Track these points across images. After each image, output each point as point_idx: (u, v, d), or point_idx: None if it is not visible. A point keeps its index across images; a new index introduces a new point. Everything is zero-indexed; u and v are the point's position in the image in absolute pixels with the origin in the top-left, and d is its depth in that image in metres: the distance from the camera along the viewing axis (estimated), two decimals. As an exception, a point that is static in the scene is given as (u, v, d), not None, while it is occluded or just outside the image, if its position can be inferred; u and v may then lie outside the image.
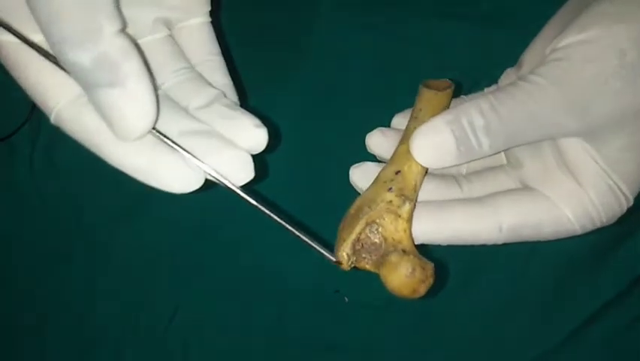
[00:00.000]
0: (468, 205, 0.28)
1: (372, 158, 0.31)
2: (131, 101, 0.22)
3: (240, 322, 0.41)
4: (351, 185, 0.30)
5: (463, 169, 0.31)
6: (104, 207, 0.42)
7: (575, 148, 0.26)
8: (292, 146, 0.41)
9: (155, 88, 0.24)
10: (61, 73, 0.24)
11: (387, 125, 0.32)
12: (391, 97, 0.42)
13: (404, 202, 0.27)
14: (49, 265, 0.42)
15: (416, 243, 0.27)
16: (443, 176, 0.30)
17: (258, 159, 0.25)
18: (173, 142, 0.24)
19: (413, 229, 0.27)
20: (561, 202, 0.27)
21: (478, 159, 0.27)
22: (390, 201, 0.27)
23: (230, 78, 0.29)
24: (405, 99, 0.41)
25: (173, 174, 0.24)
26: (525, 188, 0.28)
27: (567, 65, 0.25)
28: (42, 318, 0.41)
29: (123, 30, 0.22)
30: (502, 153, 0.30)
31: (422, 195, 0.28)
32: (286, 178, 0.41)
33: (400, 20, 0.43)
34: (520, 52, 0.31)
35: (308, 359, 0.40)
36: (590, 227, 0.27)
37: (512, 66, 0.31)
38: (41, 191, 0.43)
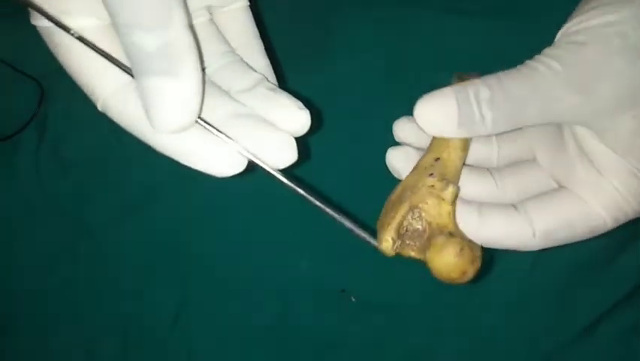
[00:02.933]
0: (503, 213, 0.28)
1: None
2: (181, 93, 0.23)
3: (244, 321, 0.41)
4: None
5: (494, 161, 0.31)
6: (108, 206, 0.42)
7: (591, 139, 0.27)
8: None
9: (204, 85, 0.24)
10: (111, 59, 0.24)
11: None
12: (403, 95, 0.42)
13: (447, 185, 0.26)
14: (53, 263, 0.41)
15: None
16: (479, 169, 0.30)
17: (300, 141, 0.26)
18: (213, 127, 0.24)
19: None
20: (590, 198, 0.27)
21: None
22: (432, 186, 0.26)
23: (269, 61, 0.29)
24: (416, 96, 0.41)
25: (218, 158, 0.24)
26: (555, 189, 0.29)
27: (571, 46, 0.26)
28: (46, 317, 0.41)
29: (190, 24, 0.23)
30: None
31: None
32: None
33: (412, 16, 0.44)
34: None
35: (313, 359, 0.40)
36: (622, 218, 0.27)
37: (523, 61, 0.31)
38: (46, 189, 0.43)
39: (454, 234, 0.26)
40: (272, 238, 0.41)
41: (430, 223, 0.26)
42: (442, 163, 0.27)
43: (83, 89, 0.25)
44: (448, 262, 0.25)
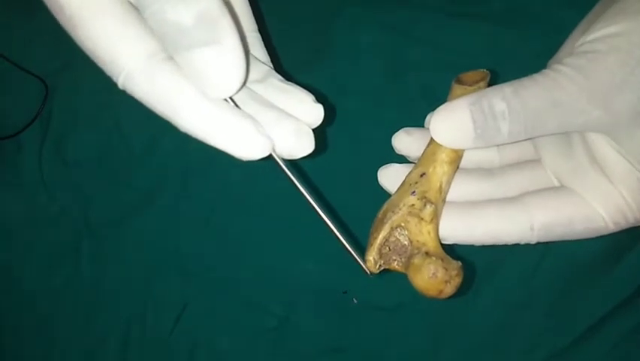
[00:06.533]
0: (499, 205, 0.28)
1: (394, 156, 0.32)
2: (229, 56, 0.22)
3: (247, 322, 0.40)
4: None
5: (496, 161, 0.31)
6: (112, 205, 0.42)
7: (603, 145, 0.26)
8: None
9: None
10: (132, 29, 0.22)
11: (398, 125, 0.32)
12: (403, 97, 0.42)
13: (425, 205, 0.27)
14: (56, 262, 0.41)
15: (448, 243, 0.28)
16: (477, 170, 0.30)
17: (316, 132, 0.26)
18: (236, 104, 0.24)
19: (445, 230, 0.28)
20: (593, 200, 0.27)
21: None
22: (413, 205, 0.27)
23: (268, 55, 0.29)
24: (416, 99, 0.41)
25: (248, 140, 0.23)
26: (557, 186, 0.29)
27: (593, 55, 0.25)
28: (48, 316, 0.40)
29: None
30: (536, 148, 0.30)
31: (455, 190, 0.29)
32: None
33: (413, 19, 0.44)
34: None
35: (315, 360, 0.40)
36: (623, 224, 0.27)
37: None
38: (49, 188, 0.43)
39: (431, 253, 0.26)
40: (274, 239, 0.41)
41: (411, 241, 0.27)
42: (426, 179, 0.28)
43: (100, 62, 0.23)
44: (424, 283, 0.26)
